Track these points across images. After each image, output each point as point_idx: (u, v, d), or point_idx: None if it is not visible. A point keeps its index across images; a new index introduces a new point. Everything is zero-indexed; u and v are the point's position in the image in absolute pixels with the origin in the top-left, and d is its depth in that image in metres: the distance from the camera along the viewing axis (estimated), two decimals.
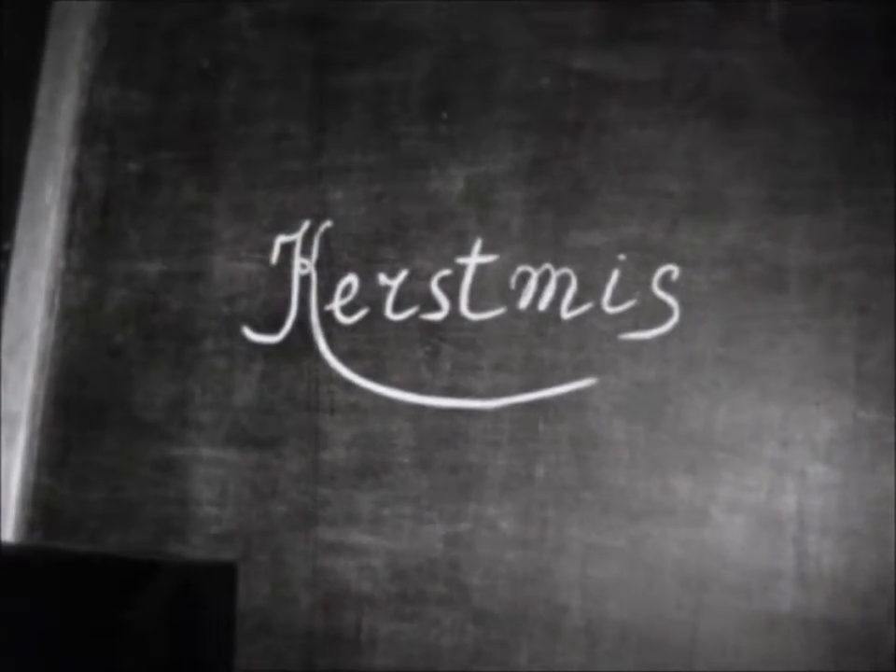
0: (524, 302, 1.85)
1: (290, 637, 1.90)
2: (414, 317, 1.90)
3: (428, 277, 1.91)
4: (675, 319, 1.78)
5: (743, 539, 1.72)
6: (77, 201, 2.15)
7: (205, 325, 2.02)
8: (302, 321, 1.96)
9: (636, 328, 1.79)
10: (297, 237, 1.99)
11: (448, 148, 1.93)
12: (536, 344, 1.84)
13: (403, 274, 1.92)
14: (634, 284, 1.80)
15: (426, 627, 1.83)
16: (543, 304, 1.84)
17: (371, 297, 1.93)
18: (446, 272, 1.90)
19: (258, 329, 1.99)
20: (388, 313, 1.91)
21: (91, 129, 2.17)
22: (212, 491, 1.97)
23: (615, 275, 1.81)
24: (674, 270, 1.78)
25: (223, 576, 1.87)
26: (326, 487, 1.91)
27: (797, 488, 1.70)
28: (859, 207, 1.72)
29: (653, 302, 1.79)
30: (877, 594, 1.65)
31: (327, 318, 1.95)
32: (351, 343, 1.93)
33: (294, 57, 2.06)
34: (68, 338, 2.11)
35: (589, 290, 1.82)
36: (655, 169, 1.82)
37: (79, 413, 2.08)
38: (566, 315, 1.83)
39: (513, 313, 1.86)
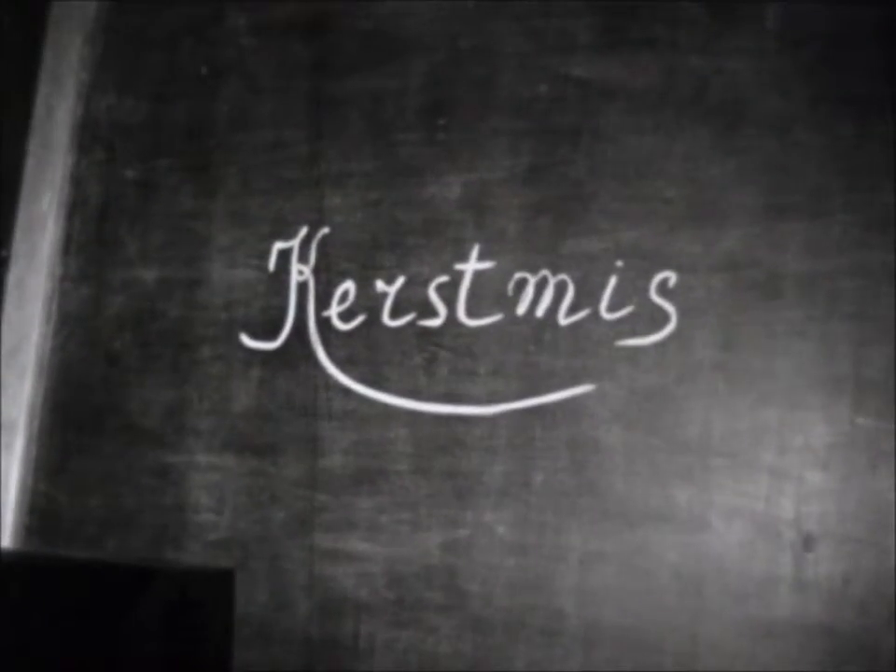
0: (521, 309, 1.84)
1: (288, 644, 1.88)
2: (412, 324, 1.89)
3: (426, 284, 1.89)
4: (672, 326, 1.76)
5: (741, 546, 1.70)
6: (75, 208, 2.14)
7: (203, 331, 2.01)
8: (300, 328, 1.95)
9: (633, 334, 1.78)
10: (294, 244, 1.97)
11: (445, 155, 1.92)
12: (533, 351, 1.82)
13: (400, 281, 1.90)
14: (631, 290, 1.79)
15: (423, 634, 1.81)
16: (541, 311, 1.83)
17: (368, 303, 1.92)
18: (444, 278, 1.88)
19: (255, 335, 1.98)
20: (386, 319, 1.90)
21: (88, 136, 2.16)
22: (209, 498, 1.96)
23: (612, 282, 1.80)
24: (671, 276, 1.77)
25: (221, 583, 1.86)
26: (323, 494, 1.89)
27: (795, 494, 1.69)
28: (856, 214, 1.71)
29: (651, 309, 1.78)
30: (875, 600, 1.64)
31: (324, 325, 1.94)
32: (348, 350, 1.92)
33: (291, 64, 2.05)
34: (66, 345, 2.10)
35: (586, 297, 1.81)
36: (653, 175, 1.81)
37: (77, 419, 2.07)
38: (563, 321, 1.81)
39: (511, 319, 1.84)
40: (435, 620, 1.81)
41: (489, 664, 1.78)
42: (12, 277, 2.11)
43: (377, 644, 1.83)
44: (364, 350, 1.91)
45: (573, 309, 1.81)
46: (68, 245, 2.12)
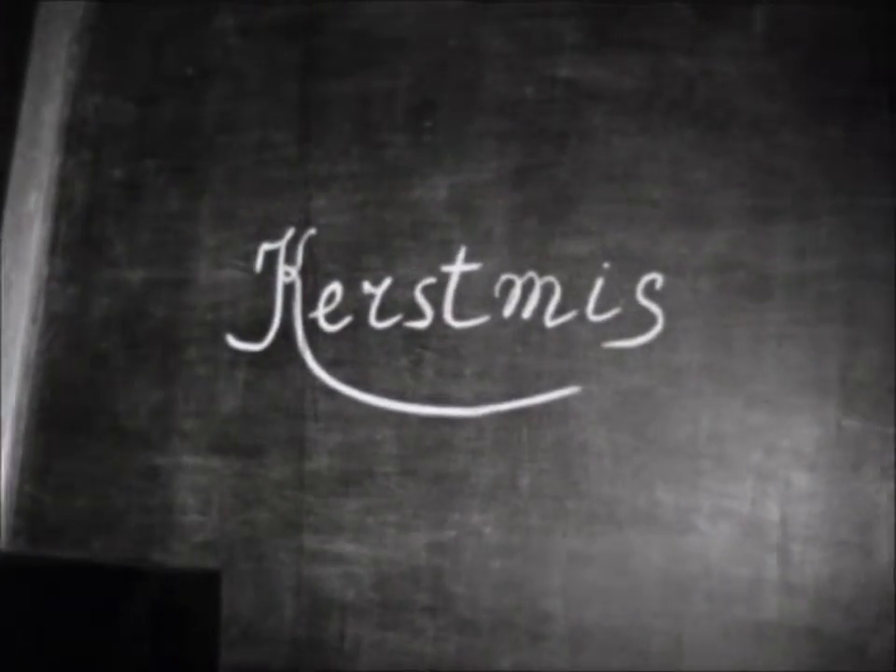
0: (507, 310, 1.81)
1: (275, 644, 1.86)
2: (398, 325, 1.87)
3: (412, 285, 1.87)
4: (659, 327, 1.75)
5: (727, 548, 1.68)
6: (61, 208, 2.11)
7: (189, 332, 1.98)
8: (286, 329, 1.92)
9: (620, 336, 1.76)
10: (281, 245, 1.95)
11: (432, 157, 1.90)
12: (519, 352, 1.80)
13: (387, 282, 1.88)
14: (618, 292, 1.77)
15: (409, 635, 1.79)
16: (527, 312, 1.81)
17: (355, 305, 1.90)
18: (430, 280, 1.86)
19: (242, 336, 1.95)
20: (372, 321, 1.88)
21: (74, 137, 2.13)
22: (196, 499, 1.93)
23: (599, 284, 1.78)
24: (658, 278, 1.75)
25: (207, 584, 1.84)
26: (310, 495, 1.87)
27: (781, 496, 1.67)
28: (843, 216, 1.69)
29: (638, 311, 1.76)
30: (862, 602, 1.62)
31: (311, 326, 1.91)
32: (335, 351, 1.90)
33: (279, 65, 2.02)
34: (52, 345, 2.07)
35: (573, 298, 1.79)
36: (639, 177, 1.79)
37: (63, 420, 2.04)
38: (549, 323, 1.79)
39: (497, 321, 1.82)
40: (421, 621, 1.79)
41: (475, 665, 1.75)
42: None
43: (363, 645, 1.81)
44: (350, 351, 1.88)
45: (560, 311, 1.79)
46: (55, 246, 2.10)
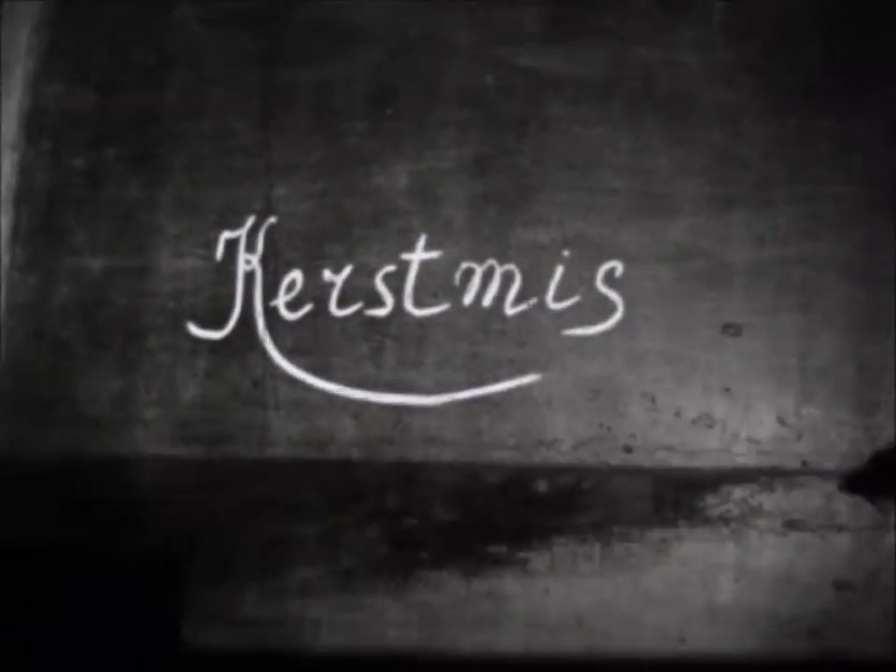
0: (468, 298, 1.79)
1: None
2: (359, 313, 1.83)
3: (373, 273, 1.83)
4: (618, 315, 1.73)
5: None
6: (22, 197, 2.05)
7: (150, 321, 1.94)
8: (247, 317, 1.88)
9: (579, 323, 1.74)
10: (241, 233, 1.91)
11: (392, 145, 1.86)
12: (480, 340, 1.78)
13: (348, 270, 1.84)
14: (578, 280, 1.75)
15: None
16: (487, 300, 1.78)
17: (315, 293, 1.86)
18: (390, 267, 1.83)
19: (202, 324, 1.91)
20: (333, 308, 1.84)
21: (35, 126, 2.07)
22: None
23: (559, 272, 1.75)
24: (618, 266, 1.74)
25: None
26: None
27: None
28: (802, 205, 1.69)
29: (597, 298, 1.74)
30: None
31: (271, 314, 1.87)
32: (295, 339, 1.86)
33: (239, 54, 1.98)
34: (13, 334, 2.02)
35: (533, 286, 1.77)
36: (600, 166, 1.77)
37: (24, 409, 1.99)
38: (510, 310, 1.77)
39: (457, 309, 1.79)
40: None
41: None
42: None
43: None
44: (311, 339, 1.85)
45: (520, 299, 1.77)
46: (15, 235, 2.04)
